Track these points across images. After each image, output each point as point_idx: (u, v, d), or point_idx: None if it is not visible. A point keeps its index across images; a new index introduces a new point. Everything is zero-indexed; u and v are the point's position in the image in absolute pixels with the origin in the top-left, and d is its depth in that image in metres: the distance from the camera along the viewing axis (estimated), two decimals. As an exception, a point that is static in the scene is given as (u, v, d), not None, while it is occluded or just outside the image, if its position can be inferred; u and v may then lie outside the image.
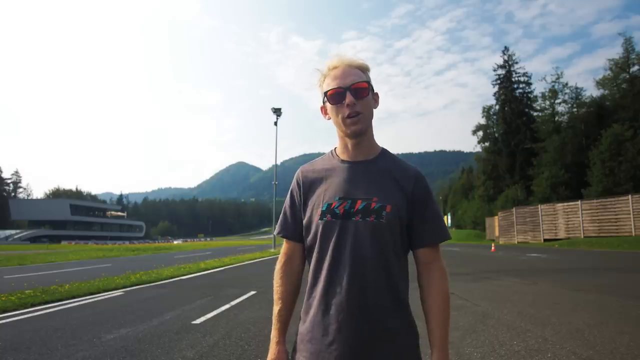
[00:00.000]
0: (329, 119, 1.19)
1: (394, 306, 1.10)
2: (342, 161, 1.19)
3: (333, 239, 1.11)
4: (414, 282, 1.18)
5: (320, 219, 1.13)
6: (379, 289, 1.08)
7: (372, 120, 1.18)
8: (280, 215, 1.29)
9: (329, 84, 1.15)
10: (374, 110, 1.19)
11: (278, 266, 1.26)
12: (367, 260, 1.09)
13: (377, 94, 1.20)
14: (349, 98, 1.11)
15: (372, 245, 1.09)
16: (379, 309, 1.08)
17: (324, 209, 1.13)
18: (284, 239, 1.28)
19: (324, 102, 1.18)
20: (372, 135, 1.20)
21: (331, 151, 1.25)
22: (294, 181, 1.25)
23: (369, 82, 1.16)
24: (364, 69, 1.18)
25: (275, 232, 1.28)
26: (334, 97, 1.13)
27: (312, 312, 1.13)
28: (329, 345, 1.07)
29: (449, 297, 1.16)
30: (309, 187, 1.21)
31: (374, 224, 1.10)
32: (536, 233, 32.97)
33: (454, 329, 4.52)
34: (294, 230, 1.23)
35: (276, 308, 1.22)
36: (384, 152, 1.22)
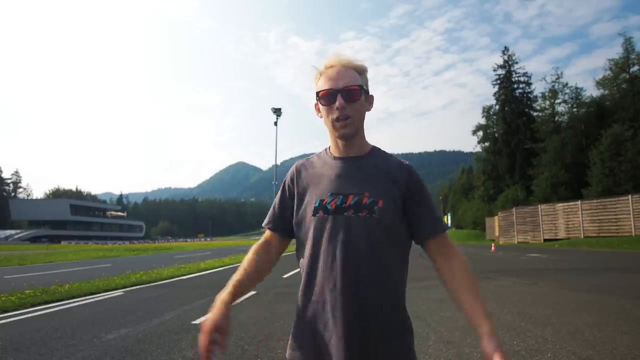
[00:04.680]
0: (322, 117, 1.19)
1: (390, 303, 1.09)
2: (334, 158, 1.19)
3: (325, 235, 1.10)
4: (412, 282, 1.18)
5: (313, 215, 1.13)
6: (374, 286, 1.08)
7: (366, 121, 1.19)
8: (271, 208, 1.29)
9: (322, 84, 1.14)
10: (368, 112, 1.19)
11: (254, 246, 1.27)
12: (361, 257, 1.08)
13: (371, 96, 1.20)
14: (339, 101, 1.11)
15: (365, 241, 1.08)
16: (375, 306, 1.07)
17: (316, 205, 1.13)
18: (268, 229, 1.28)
19: (317, 101, 1.19)
20: (362, 135, 1.20)
21: (325, 149, 1.26)
22: (288, 176, 1.25)
23: (361, 86, 1.14)
24: (361, 71, 1.17)
25: (263, 224, 1.28)
26: (326, 98, 1.13)
27: (307, 310, 1.12)
28: (326, 343, 1.07)
29: (469, 269, 1.12)
30: (302, 183, 1.21)
31: (366, 219, 1.09)
32: (536, 233, 32.97)
33: (454, 329, 4.52)
34: (281, 223, 1.25)
35: (236, 276, 1.18)
36: (375, 148, 1.22)
